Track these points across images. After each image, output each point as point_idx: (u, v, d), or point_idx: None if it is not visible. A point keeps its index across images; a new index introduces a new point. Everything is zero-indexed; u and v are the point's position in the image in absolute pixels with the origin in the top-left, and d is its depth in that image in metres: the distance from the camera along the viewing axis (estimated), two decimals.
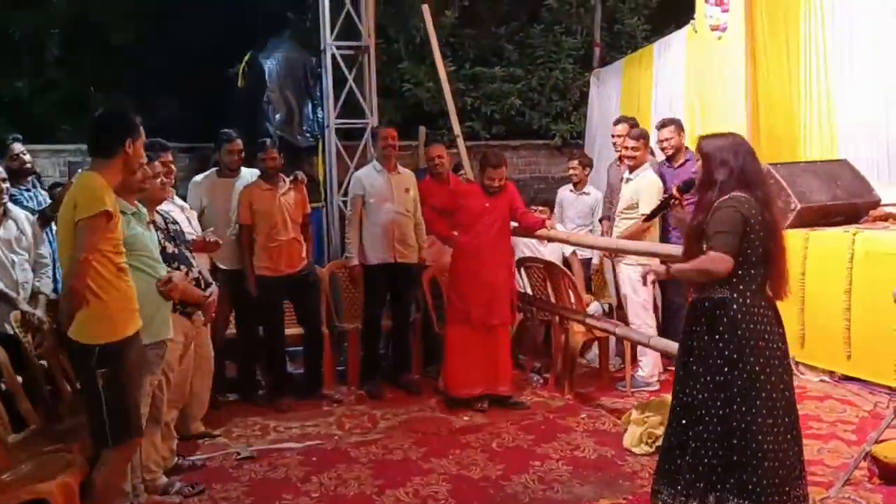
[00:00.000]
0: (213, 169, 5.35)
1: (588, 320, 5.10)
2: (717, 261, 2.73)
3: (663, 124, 5.59)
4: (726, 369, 2.74)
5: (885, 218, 5.21)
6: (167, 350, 3.56)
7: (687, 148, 5.49)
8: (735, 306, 2.76)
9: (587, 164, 6.70)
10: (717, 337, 2.77)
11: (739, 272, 2.76)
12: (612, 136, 6.00)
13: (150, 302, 3.30)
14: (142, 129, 3.10)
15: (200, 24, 8.43)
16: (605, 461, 4.01)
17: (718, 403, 2.74)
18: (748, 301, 2.77)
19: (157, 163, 3.81)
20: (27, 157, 5.03)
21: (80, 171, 3.15)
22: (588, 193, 6.60)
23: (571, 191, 6.70)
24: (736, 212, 2.75)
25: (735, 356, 2.74)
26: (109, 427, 2.98)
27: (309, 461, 4.16)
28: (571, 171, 6.68)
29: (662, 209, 3.22)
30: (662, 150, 5.56)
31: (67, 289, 2.90)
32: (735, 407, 2.72)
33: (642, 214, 5.13)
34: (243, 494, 3.75)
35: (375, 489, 3.75)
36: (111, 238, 2.98)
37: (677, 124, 5.55)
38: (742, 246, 2.75)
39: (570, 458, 4.07)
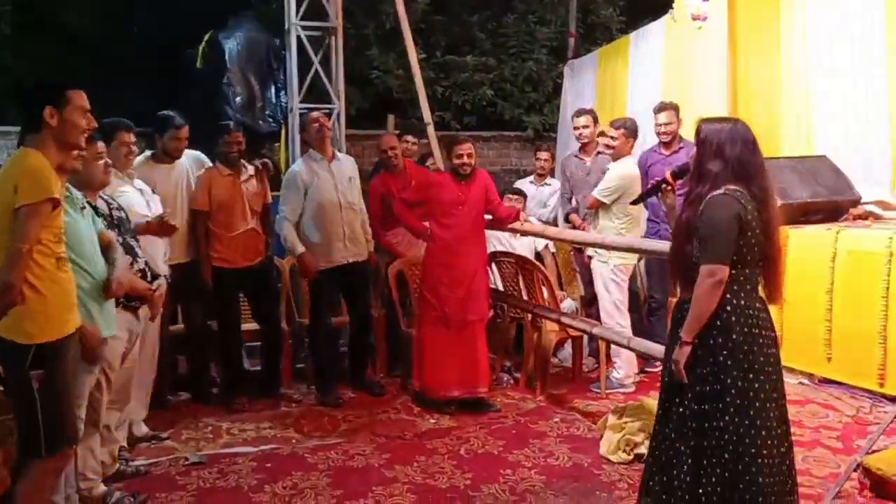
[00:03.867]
0: (148, 153, 4.72)
1: (563, 319, 4.86)
2: (707, 285, 2.48)
3: (660, 108, 5.31)
4: (721, 377, 2.50)
5: (866, 216, 5.09)
6: (108, 348, 3.24)
7: (681, 137, 5.31)
8: (729, 308, 2.52)
9: (553, 155, 6.67)
10: (711, 343, 2.52)
11: (733, 272, 2.52)
12: (575, 127, 5.74)
13: (87, 296, 2.99)
14: (76, 98, 2.77)
15: (161, 4, 8.02)
16: (581, 470, 3.77)
17: (717, 415, 2.50)
18: (743, 303, 2.53)
19: (99, 143, 3.48)
20: None
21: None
22: (549, 184, 6.56)
23: (532, 182, 6.60)
24: (727, 211, 2.50)
25: (729, 363, 2.50)
26: (44, 435, 2.66)
27: (263, 467, 3.86)
28: (542, 163, 6.55)
29: (651, 194, 2.94)
30: (659, 135, 5.33)
31: (2, 283, 2.58)
32: (728, 418, 2.48)
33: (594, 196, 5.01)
34: None
35: (334, 500, 3.48)
36: (53, 226, 2.67)
37: (675, 109, 5.27)
38: (737, 245, 2.51)
39: (543, 466, 3.83)
